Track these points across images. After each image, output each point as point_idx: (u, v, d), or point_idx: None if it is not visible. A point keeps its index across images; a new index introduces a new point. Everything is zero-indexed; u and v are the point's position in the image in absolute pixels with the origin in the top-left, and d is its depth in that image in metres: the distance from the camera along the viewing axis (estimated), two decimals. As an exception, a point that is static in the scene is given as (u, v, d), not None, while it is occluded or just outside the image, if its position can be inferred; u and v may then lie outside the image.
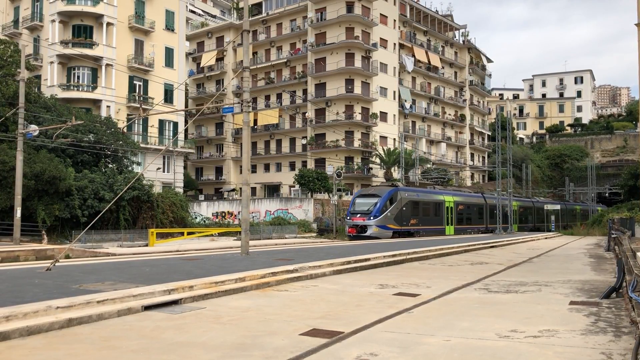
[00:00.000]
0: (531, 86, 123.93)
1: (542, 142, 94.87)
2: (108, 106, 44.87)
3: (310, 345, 6.33)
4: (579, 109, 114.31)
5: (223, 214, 48.79)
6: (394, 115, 61.33)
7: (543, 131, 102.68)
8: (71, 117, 28.62)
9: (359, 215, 33.19)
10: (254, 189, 59.88)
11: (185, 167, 59.58)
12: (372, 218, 32.57)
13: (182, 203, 36.85)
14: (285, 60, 61.65)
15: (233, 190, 59.34)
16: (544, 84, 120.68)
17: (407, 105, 63.33)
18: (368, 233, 32.18)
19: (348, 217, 34.20)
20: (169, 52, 50.52)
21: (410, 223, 35.34)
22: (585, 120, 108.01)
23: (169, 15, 50.76)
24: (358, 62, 56.35)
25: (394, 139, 59.70)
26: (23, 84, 27.42)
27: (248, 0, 18.49)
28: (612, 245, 25.69)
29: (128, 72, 46.68)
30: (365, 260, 15.91)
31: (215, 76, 66.99)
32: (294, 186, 53.81)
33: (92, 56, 44.19)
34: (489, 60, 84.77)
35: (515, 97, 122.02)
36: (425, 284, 12.26)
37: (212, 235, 34.07)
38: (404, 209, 34.44)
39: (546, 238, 42.19)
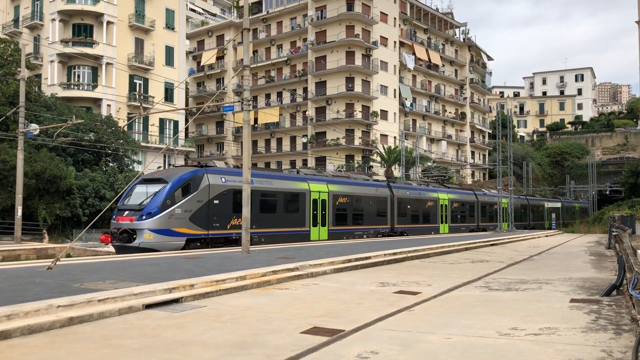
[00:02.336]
0: (532, 84, 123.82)
1: (542, 139, 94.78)
2: (108, 105, 44.87)
3: (311, 343, 6.34)
4: (580, 106, 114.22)
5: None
6: (395, 113, 61.30)
7: (544, 129, 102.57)
8: (72, 116, 28.63)
9: (126, 212, 19.82)
10: (254, 188, 59.73)
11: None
12: (144, 217, 19.23)
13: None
14: (286, 58, 61.61)
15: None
16: (544, 82, 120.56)
17: (408, 103, 63.29)
18: (136, 243, 18.75)
19: (114, 217, 20.42)
20: (169, 51, 50.49)
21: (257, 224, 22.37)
22: (585, 118, 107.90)
23: (169, 14, 50.73)
24: (358, 61, 56.30)
25: (395, 137, 59.67)
26: (23, 83, 27.42)
27: (248, -2, 18.49)
28: (613, 243, 25.69)
29: (128, 70, 46.67)
30: (366, 258, 15.92)
31: (216, 75, 66.97)
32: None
33: (92, 55, 44.18)
34: (489, 58, 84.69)
35: (516, 94, 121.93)
36: (426, 282, 12.26)
37: None
38: (216, 202, 21.07)
39: (547, 236, 42.18)
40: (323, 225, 27.26)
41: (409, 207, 33.92)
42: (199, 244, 20.59)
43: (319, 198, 26.72)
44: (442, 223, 37.36)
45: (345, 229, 28.58)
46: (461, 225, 40.49)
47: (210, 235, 20.61)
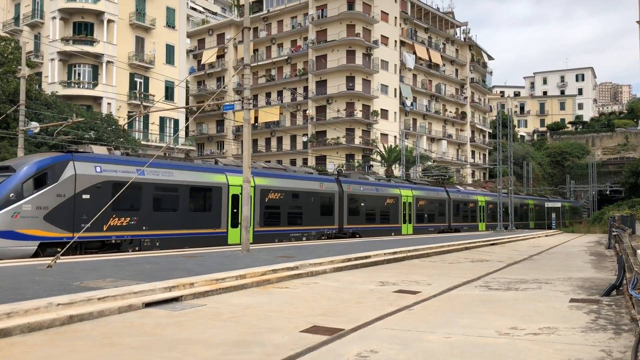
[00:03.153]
0: (532, 84, 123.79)
1: (543, 139, 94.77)
2: (109, 103, 44.85)
3: (310, 342, 6.34)
4: (580, 106, 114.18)
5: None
6: (395, 112, 61.28)
7: (544, 129, 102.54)
8: (72, 114, 28.65)
9: None
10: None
11: (186, 165, 59.44)
12: None
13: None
14: (286, 57, 61.59)
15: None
16: (545, 82, 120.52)
17: (408, 102, 63.26)
18: None
19: None
20: (170, 50, 50.47)
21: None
22: (586, 118, 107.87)
23: (170, 13, 50.70)
24: (359, 60, 56.28)
25: (395, 137, 59.66)
26: (24, 81, 27.41)
27: (249, -3, 18.47)
28: (613, 243, 25.70)
29: (129, 69, 46.65)
30: (366, 257, 15.93)
31: (216, 73, 66.95)
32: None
33: (92, 53, 44.16)
34: (490, 58, 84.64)
35: (517, 94, 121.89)
36: (425, 281, 12.27)
37: None
38: (86, 196, 17.30)
39: (547, 235, 42.22)
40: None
41: (362, 204, 29.67)
42: (59, 249, 15.72)
43: (241, 194, 21.34)
44: (405, 223, 33.35)
45: (278, 231, 24.11)
46: (429, 225, 36.12)
47: (78, 238, 15.66)
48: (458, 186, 45.61)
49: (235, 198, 22.07)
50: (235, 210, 21.94)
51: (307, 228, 25.95)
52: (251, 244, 19.81)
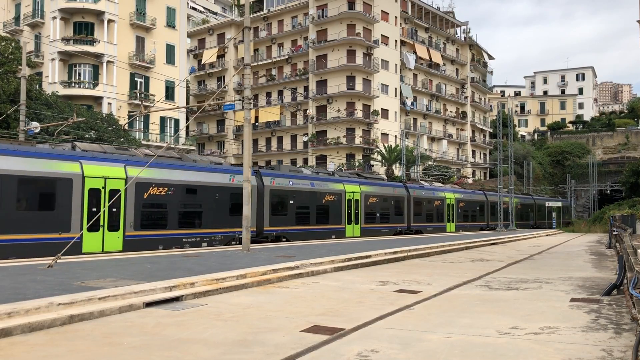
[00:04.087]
0: (533, 83, 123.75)
1: (543, 139, 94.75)
2: (109, 103, 44.86)
3: (311, 341, 6.34)
4: (581, 106, 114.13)
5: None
6: (395, 112, 61.26)
7: (544, 128, 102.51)
8: (72, 114, 28.66)
9: None
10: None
11: (186, 164, 59.44)
12: None
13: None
14: (287, 57, 61.58)
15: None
16: (545, 81, 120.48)
17: (409, 102, 63.25)
18: None
19: None
20: (170, 49, 50.47)
21: None
22: (586, 117, 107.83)
23: (170, 12, 50.70)
24: (359, 59, 56.27)
25: (395, 136, 59.65)
26: (24, 81, 27.43)
27: (249, -3, 18.46)
28: (614, 242, 25.70)
29: (129, 69, 46.66)
30: (366, 257, 15.93)
31: (217, 73, 66.94)
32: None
33: (93, 53, 44.17)
34: (490, 57, 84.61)
35: (517, 94, 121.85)
36: (426, 280, 12.27)
37: None
38: None
39: (547, 235, 42.22)
40: (113, 229, 17.76)
41: (292, 202, 25.42)
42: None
43: (104, 188, 17.50)
44: (350, 224, 29.12)
45: (161, 235, 19.11)
46: (382, 226, 31.81)
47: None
48: (423, 182, 41.14)
49: (94, 194, 17.47)
50: (94, 210, 17.19)
51: (209, 231, 21.02)
52: (117, 252, 16.96)
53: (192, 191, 20.62)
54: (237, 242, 21.13)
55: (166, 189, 19.56)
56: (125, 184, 17.74)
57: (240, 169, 22.74)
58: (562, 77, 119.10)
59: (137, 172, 17.44)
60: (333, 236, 27.37)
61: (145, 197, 18.77)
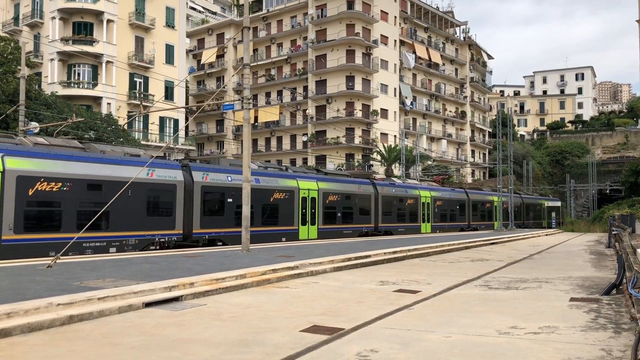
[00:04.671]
0: (532, 83, 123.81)
1: (543, 138, 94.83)
2: (109, 103, 44.85)
3: (310, 341, 6.34)
4: (580, 105, 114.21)
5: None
6: (395, 112, 61.28)
7: (544, 128, 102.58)
8: (72, 114, 28.66)
9: None
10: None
11: (186, 164, 59.44)
12: None
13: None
14: (286, 57, 61.58)
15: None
16: (544, 81, 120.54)
17: (408, 102, 63.27)
18: None
19: None
20: (170, 49, 50.46)
21: None
22: (586, 117, 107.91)
23: (170, 12, 50.69)
24: (359, 59, 56.28)
25: (395, 136, 59.66)
26: (23, 81, 27.42)
27: (248, -3, 18.45)
28: (613, 242, 25.71)
29: (129, 69, 46.64)
30: (366, 257, 15.93)
31: (216, 73, 66.94)
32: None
33: (92, 53, 44.15)
34: (489, 57, 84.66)
35: (516, 93, 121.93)
36: (425, 280, 12.27)
37: None
38: None
39: (547, 235, 42.25)
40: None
41: (230, 200, 22.04)
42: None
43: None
44: (303, 225, 25.98)
45: (52, 239, 16.04)
46: (345, 227, 28.69)
47: None
48: (395, 179, 38.32)
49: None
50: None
51: (119, 234, 18.09)
52: None
53: (96, 187, 17.76)
54: (157, 247, 18.89)
55: (60, 184, 16.72)
56: (2, 178, 15.08)
57: (163, 161, 20.66)
58: (562, 77, 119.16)
59: (18, 164, 15.44)
60: (283, 239, 24.26)
61: (30, 193, 15.94)
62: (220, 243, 21.33)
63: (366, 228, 30.41)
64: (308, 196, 26.18)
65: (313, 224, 26.38)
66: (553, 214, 61.89)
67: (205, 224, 20.80)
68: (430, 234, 34.74)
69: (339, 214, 28.45)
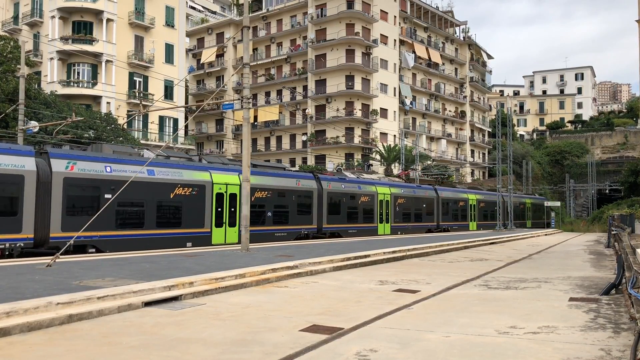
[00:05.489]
0: (532, 83, 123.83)
1: (542, 138, 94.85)
2: (108, 102, 44.83)
3: (310, 341, 6.34)
4: (580, 105, 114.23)
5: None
6: (395, 111, 61.29)
7: (543, 128, 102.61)
8: (71, 113, 28.64)
9: None
10: (254, 186, 59.72)
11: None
12: None
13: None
14: (286, 56, 61.57)
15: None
16: (544, 81, 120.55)
17: (408, 101, 63.27)
18: None
19: None
20: (169, 49, 50.44)
21: None
22: (585, 117, 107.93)
23: (169, 12, 50.67)
24: (358, 59, 56.27)
25: (394, 136, 59.67)
26: (23, 80, 27.39)
27: (248, -4, 18.44)
28: (612, 242, 25.72)
29: (128, 68, 46.62)
30: (365, 256, 15.93)
31: (216, 72, 66.91)
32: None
33: (92, 52, 44.13)
34: (489, 57, 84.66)
35: (516, 93, 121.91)
36: (425, 280, 12.27)
37: None
38: None
39: (546, 235, 42.27)
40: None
41: (108, 196, 17.95)
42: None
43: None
44: (219, 226, 21.77)
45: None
46: (278, 228, 24.64)
47: None
48: (347, 173, 33.56)
49: None
50: None
51: None
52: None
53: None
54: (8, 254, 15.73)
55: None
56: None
57: (5, 146, 16.68)
58: (561, 77, 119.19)
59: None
60: (189, 244, 20.26)
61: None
62: (93, 250, 17.37)
63: (306, 229, 26.30)
64: (226, 192, 21.93)
65: (233, 225, 21.95)
66: (553, 215, 61.76)
67: (70, 225, 16.58)
68: (390, 235, 30.95)
69: (269, 213, 24.14)
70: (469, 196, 42.93)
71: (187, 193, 20.44)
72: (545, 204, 62.21)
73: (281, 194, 24.76)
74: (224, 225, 21.71)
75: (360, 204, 30.25)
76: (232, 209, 22.01)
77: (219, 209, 21.55)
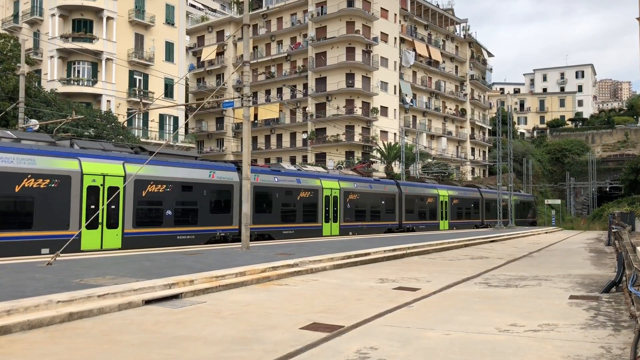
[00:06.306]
0: (532, 80, 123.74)
1: (543, 136, 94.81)
2: (108, 101, 44.81)
3: (310, 339, 6.34)
4: (580, 103, 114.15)
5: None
6: (395, 109, 61.26)
7: (544, 126, 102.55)
8: (71, 111, 28.63)
9: None
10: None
11: (185, 162, 59.39)
12: None
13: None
14: (286, 54, 61.53)
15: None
16: (545, 79, 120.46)
17: (408, 99, 63.23)
18: None
19: None
20: (169, 47, 50.41)
21: None
22: (586, 115, 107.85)
23: (169, 10, 50.62)
24: (359, 57, 56.23)
25: (395, 134, 59.64)
26: (23, 79, 27.39)
27: (248, -6, 18.39)
28: (613, 240, 25.73)
29: (128, 66, 46.60)
30: (366, 254, 15.94)
31: (216, 70, 66.88)
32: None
33: (92, 50, 44.10)
34: (489, 55, 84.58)
35: (516, 91, 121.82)
36: (425, 278, 12.27)
37: None
38: None
39: (547, 233, 42.25)
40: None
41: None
42: None
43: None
44: (93, 227, 16.93)
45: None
46: (181, 230, 19.95)
47: None
48: (285, 165, 29.13)
49: None
50: None
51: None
52: None
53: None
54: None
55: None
56: None
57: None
58: (562, 75, 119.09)
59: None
60: (45, 250, 15.55)
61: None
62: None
63: (224, 231, 21.53)
64: (103, 185, 17.41)
65: (113, 227, 17.67)
66: (553, 212, 61.61)
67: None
68: (339, 237, 26.86)
69: (169, 212, 19.74)
70: (439, 192, 38.84)
71: (42, 186, 16.09)
72: (546, 202, 62.18)
73: (187, 188, 20.29)
74: (101, 226, 17.21)
75: (300, 200, 25.80)
76: (113, 207, 17.56)
77: (92, 207, 17.09)
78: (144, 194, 18.61)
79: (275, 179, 24.74)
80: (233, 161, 25.25)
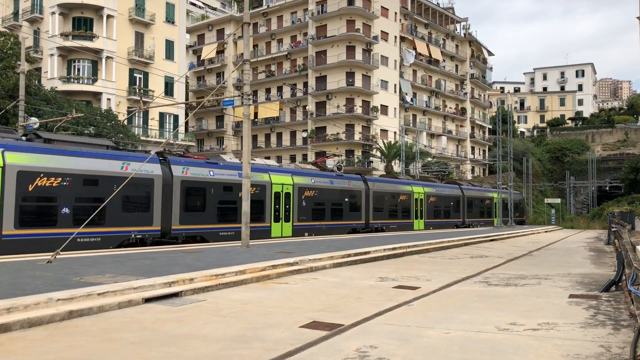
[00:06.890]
0: (532, 79, 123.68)
1: (543, 135, 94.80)
2: (108, 99, 44.80)
3: (310, 337, 6.35)
4: (580, 102, 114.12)
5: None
6: (395, 108, 61.23)
7: (544, 125, 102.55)
8: (71, 109, 28.61)
9: None
10: (254, 182, 59.69)
11: (185, 160, 59.36)
12: None
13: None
14: (286, 53, 61.50)
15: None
16: (545, 78, 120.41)
17: (408, 98, 63.21)
18: None
19: None
20: (170, 45, 50.39)
21: None
22: (586, 114, 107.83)
23: (170, 8, 50.60)
24: (359, 55, 56.19)
25: (395, 132, 59.62)
26: (23, 77, 27.37)
27: (248, -8, 18.36)
28: (612, 239, 25.74)
29: (128, 64, 46.59)
30: (366, 253, 15.94)
31: (216, 69, 66.85)
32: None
33: (92, 49, 44.07)
34: (490, 54, 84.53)
35: (517, 90, 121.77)
36: (425, 277, 12.28)
37: None
38: None
39: (546, 232, 42.27)
40: None
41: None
42: None
43: None
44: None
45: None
46: (86, 231, 15.71)
47: None
48: (225, 157, 25.57)
49: None
50: None
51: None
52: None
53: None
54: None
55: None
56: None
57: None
58: (562, 74, 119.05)
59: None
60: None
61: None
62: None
63: (140, 232, 18.65)
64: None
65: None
66: (543, 210, 61.35)
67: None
68: (291, 237, 24.27)
69: (65, 210, 16.57)
70: (413, 188, 35.70)
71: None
72: (546, 201, 62.16)
73: (90, 181, 17.31)
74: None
75: (229, 197, 22.35)
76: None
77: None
78: (30, 189, 15.62)
79: (211, 172, 21.71)
80: (160, 152, 21.02)
